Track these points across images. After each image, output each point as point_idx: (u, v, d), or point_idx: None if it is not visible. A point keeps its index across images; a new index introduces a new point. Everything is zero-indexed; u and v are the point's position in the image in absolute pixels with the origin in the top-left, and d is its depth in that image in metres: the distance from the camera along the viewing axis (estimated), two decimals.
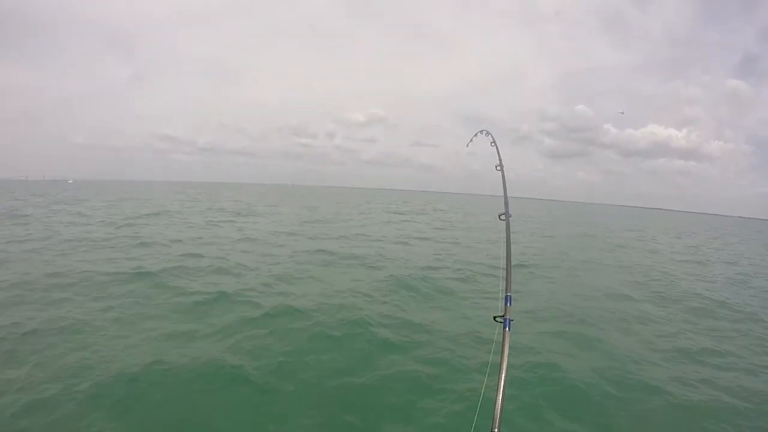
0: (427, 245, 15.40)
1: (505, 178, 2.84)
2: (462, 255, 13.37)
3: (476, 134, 4.26)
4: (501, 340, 1.99)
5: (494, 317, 2.09)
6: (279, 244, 13.66)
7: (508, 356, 1.94)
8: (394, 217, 27.96)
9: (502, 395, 1.88)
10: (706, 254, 20.66)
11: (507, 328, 1.99)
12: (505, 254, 2.25)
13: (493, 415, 1.83)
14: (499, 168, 3.05)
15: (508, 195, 2.69)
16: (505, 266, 2.19)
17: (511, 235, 2.38)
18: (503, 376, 1.93)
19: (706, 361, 5.97)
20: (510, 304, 2.05)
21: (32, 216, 18.28)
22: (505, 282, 2.15)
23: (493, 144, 3.69)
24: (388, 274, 9.66)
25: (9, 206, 23.30)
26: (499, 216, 2.50)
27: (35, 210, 21.32)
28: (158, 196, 42.19)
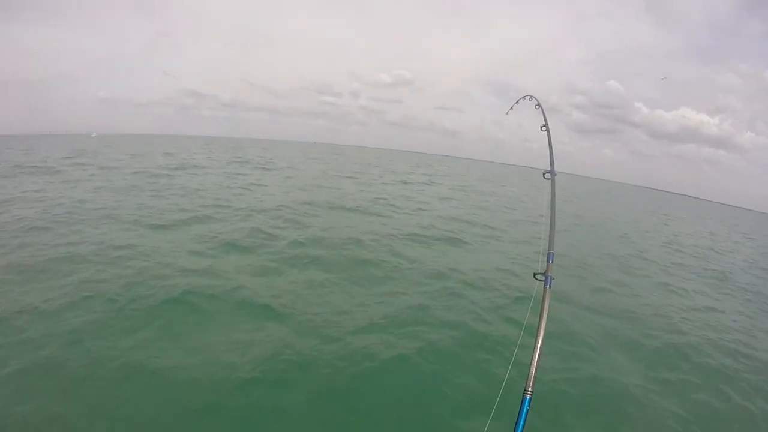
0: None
1: (551, 139, 2.71)
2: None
3: (518, 101, 4.07)
4: (541, 298, 1.93)
5: (534, 274, 2.02)
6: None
7: (547, 316, 1.87)
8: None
9: (539, 355, 1.82)
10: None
11: (548, 286, 1.92)
12: (549, 212, 2.15)
13: (527, 375, 1.78)
14: (544, 129, 2.92)
15: (552, 156, 2.56)
16: (549, 223, 2.10)
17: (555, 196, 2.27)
18: (541, 335, 1.87)
19: None
20: (552, 261, 1.97)
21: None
22: (548, 239, 2.06)
23: (538, 107, 3.54)
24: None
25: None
26: (544, 175, 2.40)
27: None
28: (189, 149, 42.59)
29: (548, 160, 2.72)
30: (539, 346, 1.86)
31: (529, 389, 1.76)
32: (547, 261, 1.97)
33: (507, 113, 4.31)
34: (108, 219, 9.11)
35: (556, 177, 2.35)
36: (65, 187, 13.11)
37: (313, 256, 7.66)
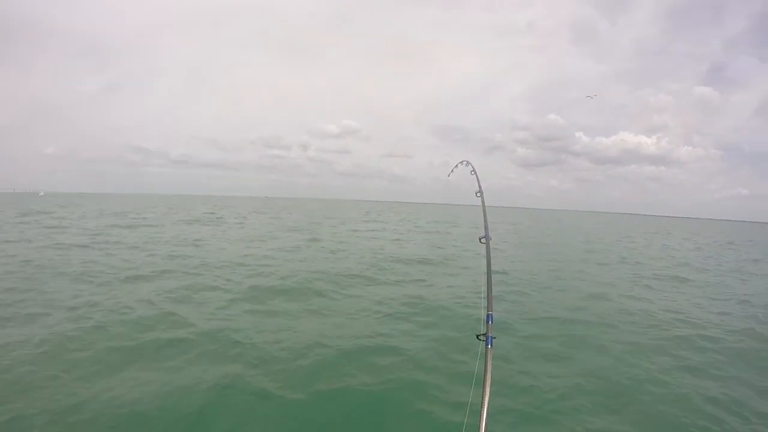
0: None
1: (485, 205, 3.01)
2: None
3: (457, 165, 4.46)
4: (484, 358, 2.07)
5: (477, 335, 2.17)
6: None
7: (491, 373, 2.01)
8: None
9: (487, 413, 1.92)
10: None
11: (489, 345, 2.08)
12: (486, 275, 2.36)
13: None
14: (479, 195, 3.23)
15: (486, 221, 2.85)
16: (486, 286, 2.30)
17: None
18: (487, 393, 1.98)
19: None
20: (491, 323, 2.15)
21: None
22: (486, 301, 2.25)
23: (473, 173, 3.91)
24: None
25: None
26: (480, 239, 2.64)
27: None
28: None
29: (486, 218, 2.98)
30: (486, 403, 1.96)
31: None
32: (487, 322, 2.14)
33: (449, 176, 4.71)
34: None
35: (490, 240, 2.61)
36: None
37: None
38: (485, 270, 2.38)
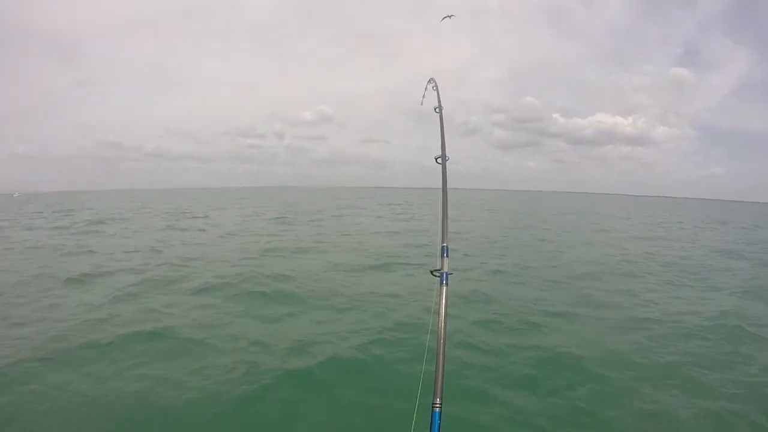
0: None
1: (443, 121, 2.54)
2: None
3: (426, 88, 3.77)
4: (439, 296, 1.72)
5: (431, 271, 1.80)
6: None
7: (446, 315, 1.67)
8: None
9: (443, 365, 1.61)
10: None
11: (444, 283, 1.71)
12: (441, 202, 1.95)
13: (434, 388, 1.57)
14: (438, 111, 2.73)
15: (443, 140, 2.38)
16: (441, 214, 1.89)
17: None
18: (442, 341, 1.66)
19: None
20: (447, 256, 1.77)
21: None
22: (441, 232, 1.86)
23: (435, 88, 3.38)
24: None
25: None
26: (436, 159, 2.20)
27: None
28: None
29: (444, 135, 2.47)
30: (442, 354, 1.65)
31: (437, 402, 1.55)
32: (441, 256, 1.77)
33: (422, 103, 3.98)
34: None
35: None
36: None
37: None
38: (441, 197, 1.96)
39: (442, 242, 1.81)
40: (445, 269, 1.72)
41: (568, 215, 33.92)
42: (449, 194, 2.02)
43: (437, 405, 1.51)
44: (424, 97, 3.91)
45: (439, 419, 1.51)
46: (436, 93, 3.24)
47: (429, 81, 3.76)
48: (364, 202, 46.94)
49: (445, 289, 1.68)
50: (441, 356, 1.63)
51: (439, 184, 2.09)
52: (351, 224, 21.23)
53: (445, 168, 2.13)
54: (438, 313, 1.67)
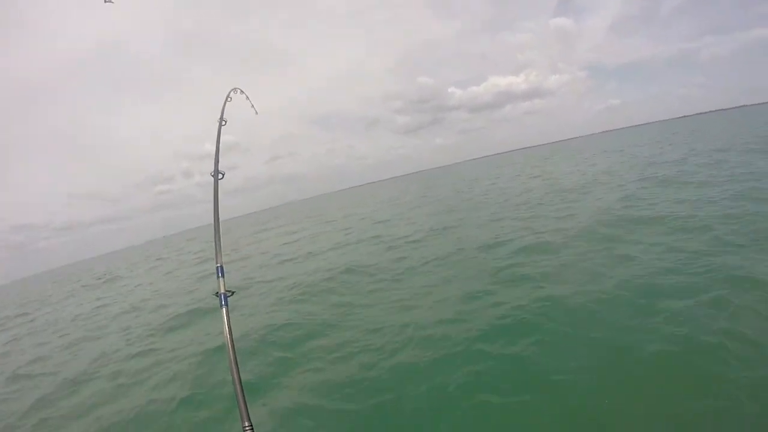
0: None
1: (220, 134, 2.43)
2: None
3: (229, 97, 3.46)
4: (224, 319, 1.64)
5: (215, 293, 1.71)
6: None
7: (232, 336, 1.60)
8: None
9: (241, 388, 1.55)
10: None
11: (224, 305, 1.64)
12: (213, 218, 1.85)
13: (240, 412, 1.50)
14: (223, 123, 2.61)
15: (218, 155, 2.27)
16: (214, 234, 1.80)
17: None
18: (234, 364, 1.59)
19: None
20: (222, 276, 1.69)
21: None
22: (215, 252, 1.77)
23: (247, 99, 3.25)
24: None
25: None
26: (211, 174, 2.08)
27: None
28: None
29: (219, 146, 2.35)
30: (236, 377, 1.58)
31: (246, 425, 1.48)
32: (217, 276, 1.69)
33: (221, 121, 3.72)
34: None
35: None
36: None
37: None
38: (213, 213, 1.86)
39: (216, 262, 1.72)
40: (223, 290, 1.64)
41: (460, 183, 33.80)
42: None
43: (247, 428, 1.46)
44: (225, 104, 3.64)
45: None
46: (250, 103, 3.19)
47: (233, 90, 3.52)
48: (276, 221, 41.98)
49: (225, 310, 1.61)
50: (236, 379, 1.56)
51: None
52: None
53: (217, 184, 2.03)
54: (224, 336, 1.60)
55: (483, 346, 4.20)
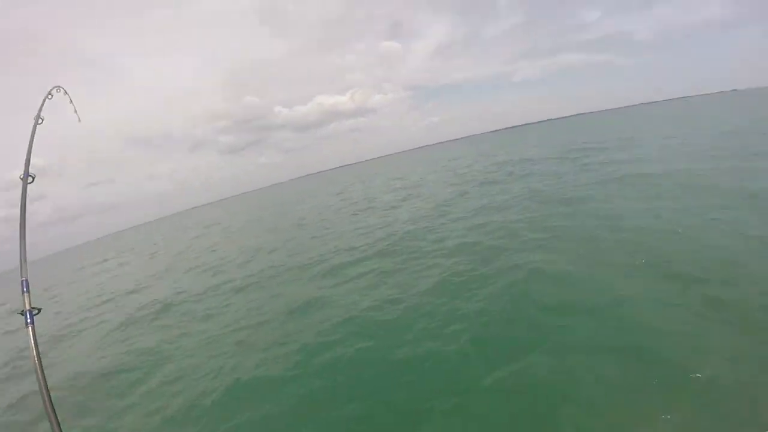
0: None
1: (35, 133, 2.11)
2: None
3: (50, 95, 2.94)
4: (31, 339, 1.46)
5: (20, 311, 1.50)
6: None
7: (40, 358, 1.43)
8: None
9: (52, 411, 1.40)
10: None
11: (30, 323, 1.46)
12: (19, 227, 1.63)
13: None
14: (40, 122, 2.25)
15: (30, 153, 1.98)
16: (19, 245, 1.58)
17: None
18: (43, 385, 1.43)
19: None
20: (28, 291, 1.51)
21: None
22: (20, 264, 1.56)
23: (71, 102, 2.82)
24: None
25: None
26: (20, 176, 1.81)
27: None
28: None
29: (31, 148, 2.03)
30: (47, 400, 1.43)
31: None
32: (22, 292, 1.49)
33: (38, 120, 3.13)
34: None
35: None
36: None
37: None
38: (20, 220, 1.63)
39: (22, 276, 1.52)
40: (29, 307, 1.46)
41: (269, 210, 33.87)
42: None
43: None
44: (45, 101, 3.10)
45: None
46: (73, 106, 2.77)
47: (55, 89, 3.00)
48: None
49: (31, 329, 1.43)
50: (47, 402, 1.41)
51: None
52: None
53: (26, 188, 1.78)
54: (31, 358, 1.43)
55: None
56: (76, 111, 3.02)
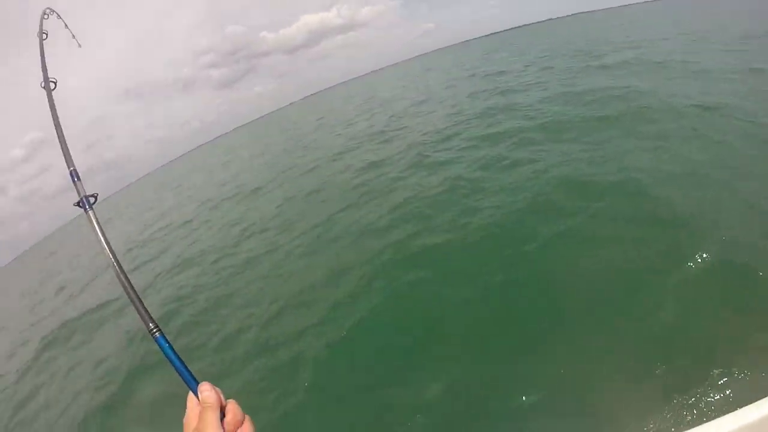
0: None
1: (42, 46, 2.02)
2: None
3: (46, 14, 2.65)
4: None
5: (76, 203, 1.51)
6: None
7: (110, 245, 1.43)
8: None
9: (133, 290, 1.39)
10: None
11: (88, 209, 1.46)
12: (53, 123, 1.60)
13: (141, 318, 1.35)
14: (39, 35, 2.13)
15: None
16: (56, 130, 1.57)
17: None
18: (119, 269, 1.42)
19: None
20: (79, 179, 1.51)
21: None
22: (63, 155, 1.56)
23: (66, 27, 2.64)
24: None
25: None
26: (41, 85, 1.75)
27: None
28: None
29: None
30: (124, 279, 1.43)
31: (152, 327, 1.34)
32: (73, 180, 1.50)
33: (45, 34, 2.86)
34: None
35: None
36: None
37: None
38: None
39: (69, 167, 1.52)
40: (84, 194, 1.47)
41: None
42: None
43: (153, 330, 1.32)
44: (42, 30, 2.86)
45: (166, 341, 1.34)
46: (66, 27, 2.57)
47: (46, 12, 2.74)
48: None
49: (92, 213, 1.44)
50: (126, 284, 1.42)
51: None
52: None
53: (51, 95, 1.72)
54: (98, 240, 1.44)
55: None
56: (74, 36, 2.79)
